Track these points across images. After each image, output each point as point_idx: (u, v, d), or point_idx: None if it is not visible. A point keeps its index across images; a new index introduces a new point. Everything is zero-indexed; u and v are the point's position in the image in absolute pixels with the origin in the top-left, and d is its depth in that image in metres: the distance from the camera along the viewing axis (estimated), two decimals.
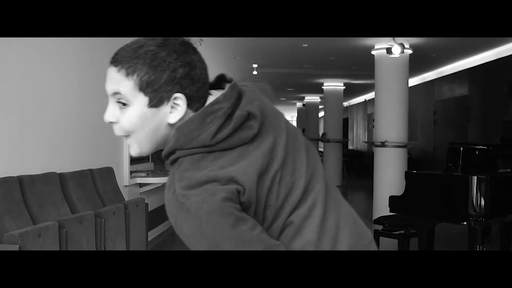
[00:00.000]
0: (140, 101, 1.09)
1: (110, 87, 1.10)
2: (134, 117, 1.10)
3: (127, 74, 1.08)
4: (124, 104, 1.10)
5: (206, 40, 8.39)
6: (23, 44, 4.10)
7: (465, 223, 4.36)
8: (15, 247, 3.17)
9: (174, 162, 1.13)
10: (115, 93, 1.10)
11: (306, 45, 8.94)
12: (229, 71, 12.66)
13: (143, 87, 1.08)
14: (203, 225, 1.01)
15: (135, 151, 1.15)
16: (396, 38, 7.81)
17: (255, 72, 11.77)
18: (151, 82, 1.07)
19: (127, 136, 1.13)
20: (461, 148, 4.69)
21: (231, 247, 1.01)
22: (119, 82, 1.08)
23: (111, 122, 1.12)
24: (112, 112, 1.11)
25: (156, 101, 1.09)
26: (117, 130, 1.13)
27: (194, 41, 8.33)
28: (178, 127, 1.11)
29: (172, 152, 1.12)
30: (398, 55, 7.98)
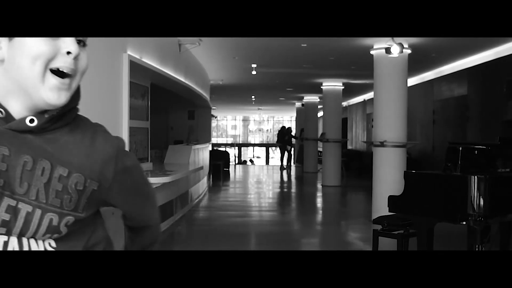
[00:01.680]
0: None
1: None
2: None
3: None
4: (82, 45, 1.11)
5: (205, 40, 8.39)
6: None
7: (464, 223, 4.36)
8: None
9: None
10: None
11: (305, 45, 8.94)
12: (228, 71, 12.69)
13: None
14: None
15: (65, 97, 1.07)
16: (395, 38, 7.82)
17: (254, 72, 11.77)
18: None
19: (70, 77, 1.07)
20: (460, 148, 4.69)
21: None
22: None
23: (70, 53, 1.06)
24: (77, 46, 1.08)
25: None
26: (70, 64, 1.07)
27: (193, 41, 8.34)
28: (78, 86, 1.14)
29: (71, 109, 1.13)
30: (397, 55, 7.99)
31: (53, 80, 1.05)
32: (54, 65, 1.04)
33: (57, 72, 1.05)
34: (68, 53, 1.06)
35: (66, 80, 1.06)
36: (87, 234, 1.17)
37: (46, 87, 1.04)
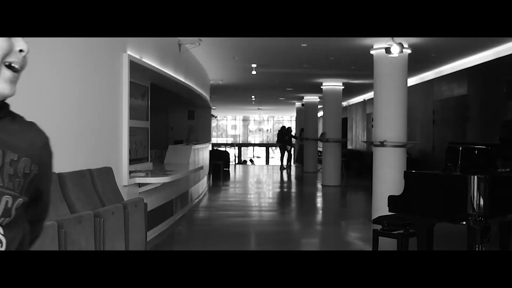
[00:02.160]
0: None
1: None
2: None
3: None
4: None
5: (205, 40, 8.39)
6: None
7: (464, 222, 4.36)
8: None
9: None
10: None
11: (305, 45, 8.94)
12: (228, 71, 12.69)
13: None
14: None
15: (15, 89, 1.18)
16: (395, 38, 7.82)
17: (254, 72, 11.77)
18: None
19: (18, 72, 1.18)
20: (460, 148, 4.69)
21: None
22: None
23: (22, 51, 1.17)
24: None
25: None
26: (21, 61, 1.17)
27: (193, 41, 8.34)
28: None
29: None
30: (397, 55, 7.99)
31: (8, 73, 1.16)
32: (8, 59, 1.15)
33: (10, 67, 1.16)
34: (21, 51, 1.17)
35: (16, 74, 1.18)
36: (24, 222, 1.22)
37: (1, 79, 1.15)
